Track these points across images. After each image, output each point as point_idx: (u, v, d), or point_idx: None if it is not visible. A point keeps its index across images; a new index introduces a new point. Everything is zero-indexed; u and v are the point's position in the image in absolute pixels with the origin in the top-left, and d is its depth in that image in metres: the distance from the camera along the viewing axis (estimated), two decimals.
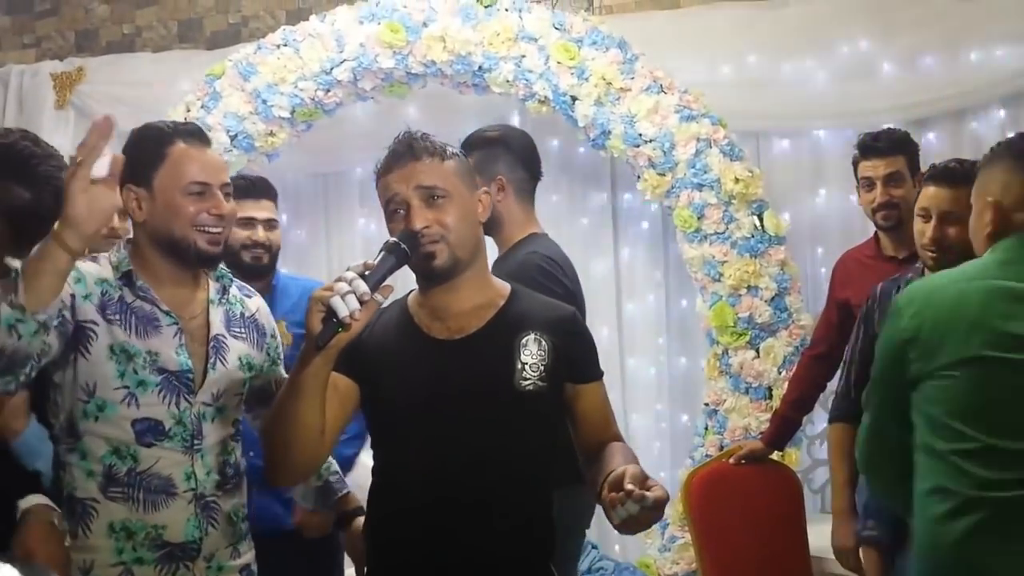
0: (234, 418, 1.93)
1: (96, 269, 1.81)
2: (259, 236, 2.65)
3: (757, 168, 3.46)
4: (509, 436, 1.64)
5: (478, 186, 1.75)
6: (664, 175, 3.36)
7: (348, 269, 1.51)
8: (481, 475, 1.62)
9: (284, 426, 1.57)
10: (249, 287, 2.06)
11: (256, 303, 2.01)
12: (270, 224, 2.69)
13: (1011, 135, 3.46)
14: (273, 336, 2.02)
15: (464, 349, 1.66)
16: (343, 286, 1.48)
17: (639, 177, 3.45)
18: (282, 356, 2.05)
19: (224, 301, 1.93)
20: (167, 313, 1.82)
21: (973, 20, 3.55)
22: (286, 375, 1.98)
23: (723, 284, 3.31)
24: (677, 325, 3.90)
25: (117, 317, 1.77)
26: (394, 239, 1.60)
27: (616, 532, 3.15)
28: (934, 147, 3.66)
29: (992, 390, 1.61)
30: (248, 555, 1.94)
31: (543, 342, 1.66)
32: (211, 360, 1.85)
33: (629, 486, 1.39)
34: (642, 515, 1.39)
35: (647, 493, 1.39)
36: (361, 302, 1.48)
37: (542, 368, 1.65)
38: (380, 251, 1.58)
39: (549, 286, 2.22)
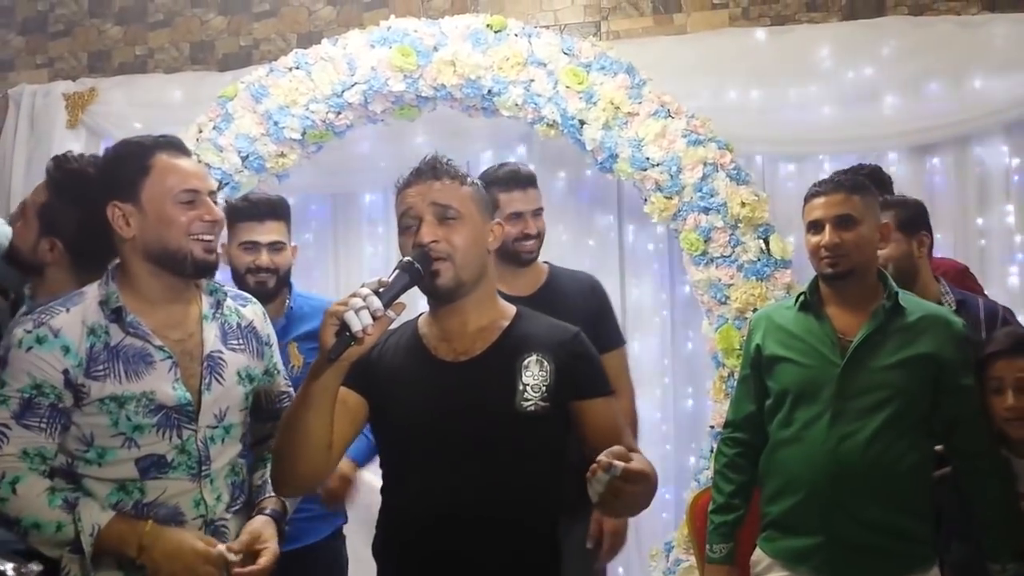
0: (242, 434, 1.91)
1: (79, 317, 1.76)
2: (262, 260, 2.51)
3: (763, 192, 3.49)
4: (511, 457, 1.66)
5: (493, 217, 1.79)
6: (671, 198, 3.39)
7: (363, 285, 1.54)
8: (484, 495, 1.63)
9: (292, 437, 1.59)
10: (246, 295, 2.03)
11: (253, 310, 1.98)
12: (275, 247, 2.54)
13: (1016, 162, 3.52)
14: (269, 344, 1.99)
15: (468, 371, 1.69)
16: (357, 301, 1.50)
17: (646, 200, 3.48)
18: (281, 367, 2.03)
19: (219, 315, 1.90)
20: (160, 348, 1.78)
21: (976, 48, 3.60)
22: (284, 386, 2.00)
23: (729, 307, 3.33)
24: (683, 358, 3.91)
25: (103, 368, 1.73)
26: (408, 259, 1.63)
27: (620, 557, 3.08)
28: (938, 173, 3.70)
29: None
30: None
31: (545, 363, 1.68)
32: (206, 381, 1.81)
33: (601, 458, 1.39)
34: (615, 488, 1.38)
35: (615, 461, 1.38)
36: (374, 317, 1.50)
37: (544, 389, 1.66)
38: (394, 269, 1.60)
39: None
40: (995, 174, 3.64)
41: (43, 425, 1.71)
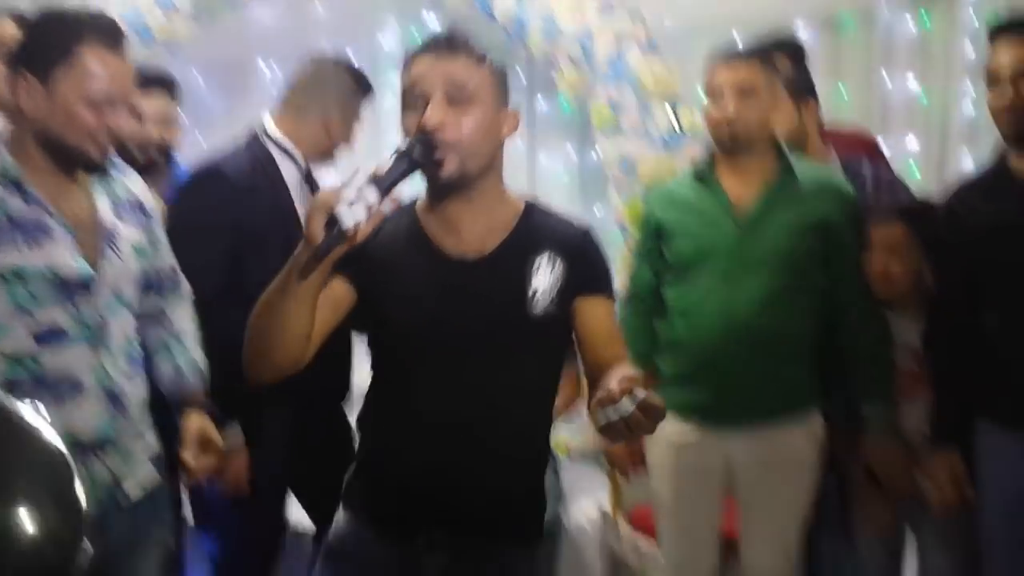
0: (135, 307, 1.90)
1: None
2: (149, 132, 2.50)
3: (674, 66, 3.45)
4: (519, 361, 1.59)
5: (508, 104, 1.62)
6: (582, 71, 3.33)
7: (356, 172, 1.38)
8: (488, 397, 1.58)
9: (268, 325, 1.47)
10: (122, 164, 1.95)
11: (135, 181, 1.93)
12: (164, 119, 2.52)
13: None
14: (152, 216, 1.95)
15: (479, 271, 1.59)
16: (351, 194, 1.35)
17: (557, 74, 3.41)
18: (164, 239, 1.99)
19: (105, 186, 1.85)
20: (58, 219, 1.72)
21: None
22: (169, 258, 1.99)
23: (638, 180, 3.34)
24: None
25: (5, 237, 1.67)
26: (407, 145, 1.47)
27: None
28: (845, 46, 3.71)
29: None
30: (156, 446, 1.95)
31: (556, 262, 1.60)
32: (103, 253, 1.78)
33: (613, 385, 1.26)
34: (635, 421, 1.23)
35: (636, 388, 1.24)
36: (369, 212, 1.37)
37: (554, 292, 1.59)
38: (392, 155, 1.45)
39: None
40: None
41: None
